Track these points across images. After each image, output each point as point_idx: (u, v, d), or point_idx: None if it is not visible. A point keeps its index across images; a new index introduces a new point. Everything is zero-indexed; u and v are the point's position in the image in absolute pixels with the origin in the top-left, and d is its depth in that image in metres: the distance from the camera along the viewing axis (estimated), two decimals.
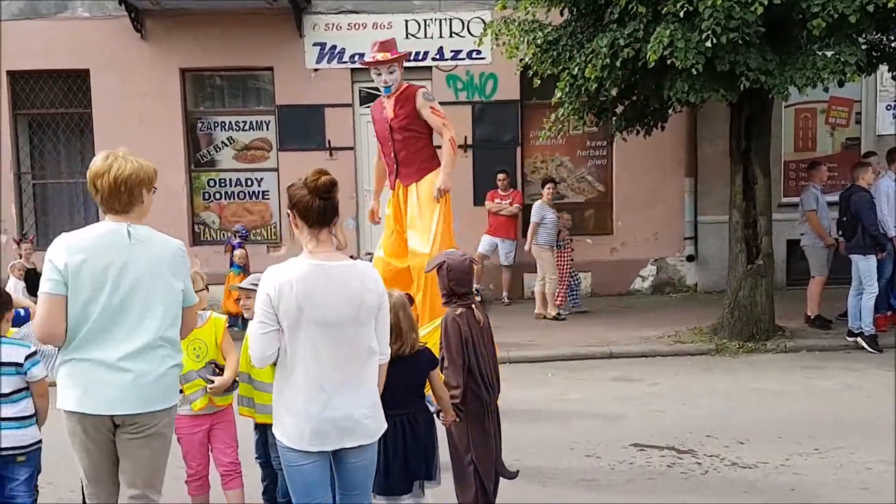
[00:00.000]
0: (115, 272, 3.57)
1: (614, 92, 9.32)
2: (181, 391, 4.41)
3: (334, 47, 12.75)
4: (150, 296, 3.63)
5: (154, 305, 3.63)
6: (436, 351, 4.61)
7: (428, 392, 4.48)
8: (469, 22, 12.70)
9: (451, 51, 12.85)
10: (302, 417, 3.50)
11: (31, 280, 10.65)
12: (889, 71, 9.74)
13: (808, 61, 8.39)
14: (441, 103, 6.61)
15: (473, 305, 4.67)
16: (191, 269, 3.98)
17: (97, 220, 12.03)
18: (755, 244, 9.75)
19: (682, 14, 7.96)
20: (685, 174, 12.96)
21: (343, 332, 3.52)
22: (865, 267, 9.48)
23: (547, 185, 11.69)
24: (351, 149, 12.71)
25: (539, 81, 9.77)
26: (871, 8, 7.80)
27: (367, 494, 3.81)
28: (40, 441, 4.53)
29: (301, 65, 12.81)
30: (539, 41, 9.30)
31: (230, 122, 13.25)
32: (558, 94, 9.36)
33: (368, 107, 7.62)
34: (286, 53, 12.77)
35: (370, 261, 5.98)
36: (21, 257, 11.22)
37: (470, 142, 12.84)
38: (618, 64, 8.49)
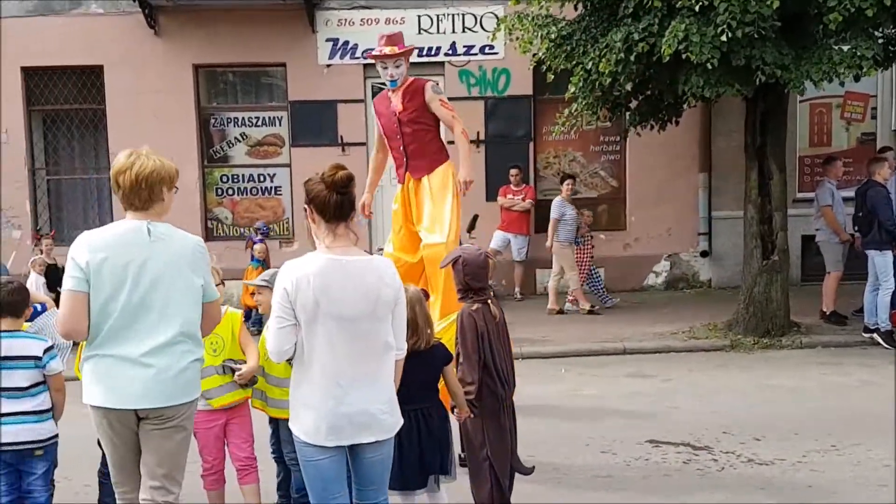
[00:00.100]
0: (134, 270, 3.61)
1: (629, 87, 9.30)
2: None
3: (347, 43, 12.74)
4: (171, 292, 3.67)
5: (174, 301, 3.68)
6: (451, 347, 4.60)
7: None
8: (482, 17, 12.68)
9: (464, 46, 12.83)
10: (318, 412, 3.50)
11: (52, 275, 10.73)
12: None
13: (824, 55, 8.34)
14: (454, 99, 6.61)
15: (489, 300, 4.66)
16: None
17: (111, 215, 12.13)
18: (770, 240, 9.70)
19: (697, 8, 7.92)
20: (699, 169, 12.90)
21: (359, 327, 3.51)
22: (882, 262, 9.42)
23: (566, 181, 11.64)
24: (363, 144, 12.70)
25: (553, 76, 9.75)
26: (887, 2, 7.74)
27: (384, 490, 3.80)
28: (57, 435, 4.57)
29: (313, 61, 12.82)
30: (553, 36, 9.28)
31: (243, 118, 13.27)
32: (572, 89, 9.33)
33: None
34: (299, 49, 12.78)
35: None
36: (42, 253, 11.27)
37: (482, 137, 12.82)
38: (632, 58, 8.46)
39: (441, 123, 6.34)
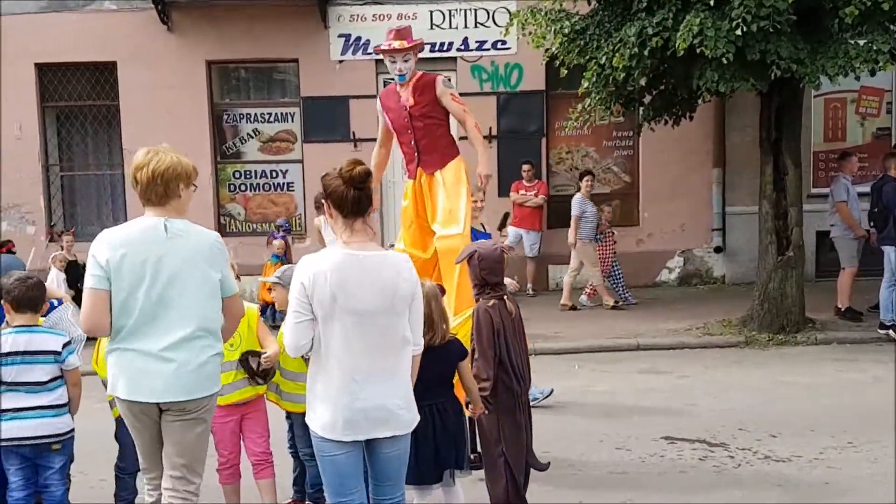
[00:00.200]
0: (152, 266, 3.67)
1: (642, 81, 9.24)
2: None
3: (359, 38, 12.73)
4: (189, 288, 3.73)
5: (193, 297, 3.74)
6: (466, 342, 4.59)
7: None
8: (494, 12, 12.64)
9: (476, 41, 12.79)
10: (334, 407, 3.50)
11: (72, 272, 10.78)
12: None
13: (839, 50, 8.29)
14: (465, 94, 6.55)
15: (505, 296, 4.65)
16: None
17: (125, 211, 12.14)
18: (785, 235, 9.64)
19: (711, 2, 7.88)
20: (713, 165, 12.82)
21: (376, 322, 3.51)
22: None
23: (585, 178, 11.58)
24: (375, 140, 12.63)
25: (566, 71, 9.70)
26: None
27: (400, 485, 3.80)
28: (74, 430, 4.59)
29: (326, 56, 12.81)
30: (566, 30, 9.23)
31: (255, 114, 13.28)
32: (585, 84, 9.30)
33: None
34: (311, 45, 12.77)
35: None
36: (62, 249, 11.32)
37: (495, 133, 12.77)
38: (646, 53, 8.42)
39: (450, 118, 6.31)
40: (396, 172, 11.61)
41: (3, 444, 4.40)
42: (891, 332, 9.33)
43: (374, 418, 3.52)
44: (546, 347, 9.40)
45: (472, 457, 4.71)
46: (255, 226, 13.33)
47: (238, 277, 4.83)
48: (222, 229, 13.11)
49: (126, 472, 4.92)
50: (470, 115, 6.26)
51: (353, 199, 3.50)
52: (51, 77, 13.07)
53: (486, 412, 4.50)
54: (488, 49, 12.77)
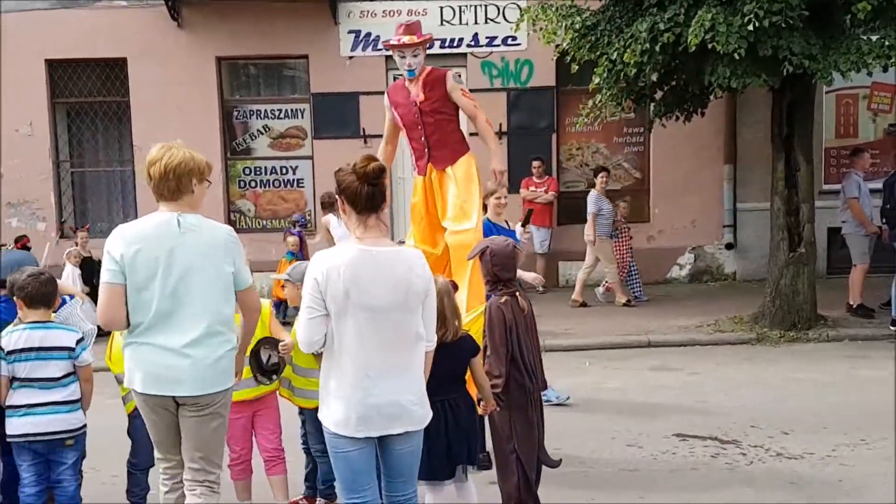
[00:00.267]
0: (165, 260, 3.72)
1: (654, 77, 9.23)
2: None
3: (369, 35, 12.72)
4: (202, 282, 3.77)
5: (207, 291, 3.78)
6: (478, 338, 4.58)
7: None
8: (504, 8, 12.62)
9: (487, 37, 12.77)
10: (347, 403, 3.49)
11: (87, 268, 10.81)
12: None
13: (852, 45, 8.24)
14: (476, 90, 6.51)
15: (517, 293, 4.64)
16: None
17: (135, 207, 12.16)
18: (797, 232, 9.60)
19: None
20: (724, 161, 12.77)
21: (390, 318, 3.50)
22: None
23: (600, 174, 11.54)
24: None
25: (577, 67, 9.67)
26: None
27: (413, 482, 3.80)
28: (86, 425, 4.60)
29: (336, 52, 12.81)
30: (577, 26, 9.22)
31: (265, 111, 13.30)
32: (596, 80, 9.26)
33: None
34: (321, 41, 12.77)
35: None
36: (77, 245, 11.35)
37: (505, 129, 12.74)
38: (657, 49, 8.38)
39: (460, 114, 6.27)
40: (406, 168, 11.60)
41: (17, 440, 4.42)
42: None
43: (387, 414, 3.52)
44: (556, 344, 9.38)
45: (480, 456, 4.70)
46: (265, 222, 13.35)
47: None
48: (232, 226, 12.99)
49: (138, 468, 4.93)
50: (481, 111, 6.21)
51: (367, 195, 3.50)
52: (61, 73, 13.10)
53: (498, 409, 4.48)
54: (498, 45, 12.75)
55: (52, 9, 12.70)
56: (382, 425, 3.53)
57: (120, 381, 4.59)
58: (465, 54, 12.79)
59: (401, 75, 6.26)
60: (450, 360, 4.21)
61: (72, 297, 5.03)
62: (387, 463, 3.69)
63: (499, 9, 12.67)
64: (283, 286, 5.85)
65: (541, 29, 9.68)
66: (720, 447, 6.09)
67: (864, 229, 10.10)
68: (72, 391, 4.48)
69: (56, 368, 4.44)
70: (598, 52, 9.09)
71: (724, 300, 11.36)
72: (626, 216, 11.90)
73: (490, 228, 6.46)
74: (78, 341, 4.49)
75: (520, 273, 6.28)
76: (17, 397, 4.40)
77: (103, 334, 5.40)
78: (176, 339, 3.72)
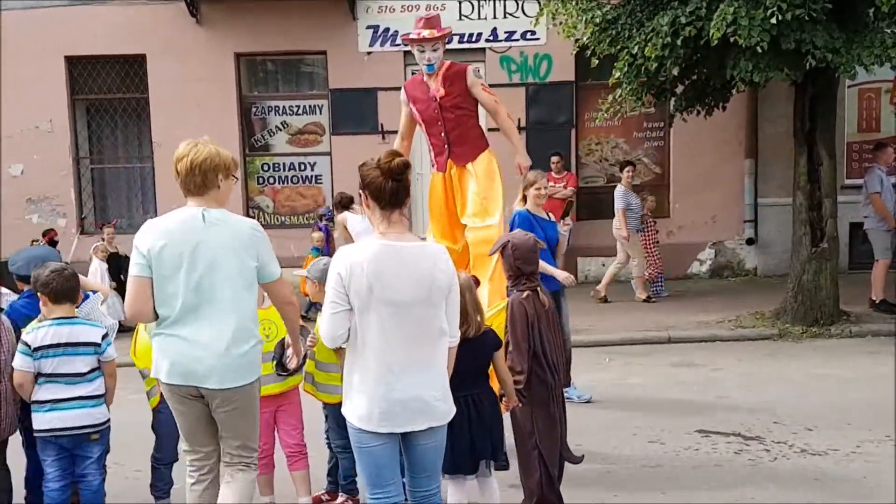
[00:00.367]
0: (190, 254, 3.76)
1: (675, 71, 9.15)
2: None
3: (387, 30, 12.72)
4: (228, 275, 3.80)
5: (231, 285, 3.81)
6: (500, 333, 4.56)
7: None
8: (523, 2, 12.58)
9: (505, 32, 12.74)
10: (371, 398, 3.49)
11: (114, 263, 10.87)
12: None
13: (875, 39, 8.15)
14: (495, 85, 6.45)
15: (539, 288, 4.61)
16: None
17: (154, 203, 12.21)
18: (820, 227, 9.52)
19: None
20: (745, 155, 12.69)
21: (413, 313, 3.49)
22: None
23: (626, 169, 11.48)
24: None
25: (597, 62, 9.62)
26: None
27: (437, 477, 3.79)
28: (110, 419, 4.62)
29: (354, 48, 12.82)
30: (597, 20, 9.17)
31: (284, 107, 13.32)
32: (616, 75, 9.21)
33: None
34: (339, 37, 12.78)
35: None
36: (104, 240, 11.43)
37: (524, 124, 12.70)
38: (679, 43, 8.32)
39: (479, 109, 6.22)
40: (424, 164, 11.57)
41: (44, 434, 4.44)
42: None
43: (412, 409, 3.51)
44: (577, 340, 9.24)
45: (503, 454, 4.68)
46: (283, 218, 13.37)
47: None
48: None
49: (162, 462, 4.94)
50: (502, 106, 6.17)
51: (391, 190, 3.49)
52: (80, 70, 13.17)
53: (520, 405, 4.47)
54: (517, 40, 12.72)
55: (71, 5, 12.77)
56: (406, 421, 3.52)
57: (145, 376, 4.62)
58: (483, 49, 12.76)
59: (419, 71, 6.20)
60: (472, 355, 4.20)
61: (94, 292, 5.04)
62: (410, 458, 3.68)
63: (518, 3, 12.64)
64: None
65: (560, 23, 9.64)
66: (743, 443, 6.05)
67: (887, 224, 10.02)
68: (97, 386, 4.50)
69: (82, 364, 4.46)
70: (619, 47, 9.03)
71: (745, 296, 11.29)
72: (652, 209, 11.83)
73: (529, 220, 6.42)
74: (103, 337, 4.51)
75: (551, 270, 6.28)
76: (43, 392, 4.42)
77: (124, 329, 5.47)
78: (204, 333, 3.76)
